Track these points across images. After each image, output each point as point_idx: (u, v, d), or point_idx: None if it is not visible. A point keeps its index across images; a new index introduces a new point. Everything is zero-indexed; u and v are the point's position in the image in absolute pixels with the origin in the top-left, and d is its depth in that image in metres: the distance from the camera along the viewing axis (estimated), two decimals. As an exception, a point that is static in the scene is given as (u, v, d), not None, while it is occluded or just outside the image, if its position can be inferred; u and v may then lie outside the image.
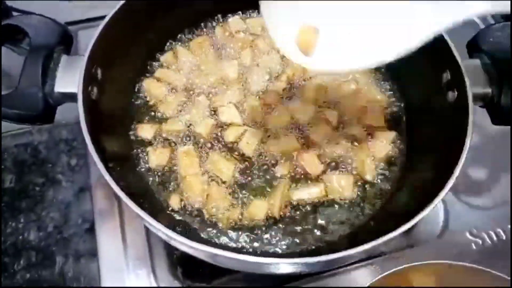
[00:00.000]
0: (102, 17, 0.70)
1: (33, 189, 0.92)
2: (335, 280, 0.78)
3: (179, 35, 0.90)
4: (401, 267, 0.67)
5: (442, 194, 0.60)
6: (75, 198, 0.91)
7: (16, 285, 0.82)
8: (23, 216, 0.89)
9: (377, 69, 0.89)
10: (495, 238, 0.84)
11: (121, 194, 0.56)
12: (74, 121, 0.97)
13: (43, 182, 0.93)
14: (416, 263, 0.67)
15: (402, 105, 0.86)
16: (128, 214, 0.83)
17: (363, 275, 0.79)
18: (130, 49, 0.78)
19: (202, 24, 0.93)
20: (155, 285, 0.75)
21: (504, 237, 0.83)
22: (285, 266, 0.58)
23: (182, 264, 0.78)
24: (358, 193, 0.76)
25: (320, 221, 0.73)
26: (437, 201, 0.60)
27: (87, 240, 0.86)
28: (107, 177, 0.57)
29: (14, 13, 0.98)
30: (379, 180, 0.77)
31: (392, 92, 0.87)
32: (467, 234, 0.84)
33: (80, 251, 0.85)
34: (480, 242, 0.83)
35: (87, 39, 0.68)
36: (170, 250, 0.79)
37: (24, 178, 0.93)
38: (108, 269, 0.78)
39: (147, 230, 0.80)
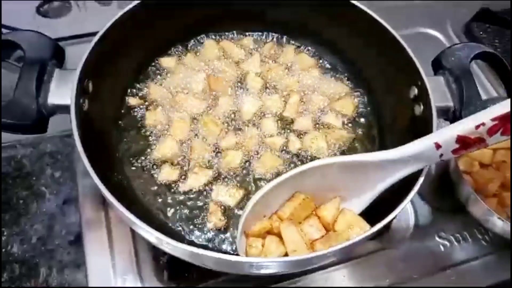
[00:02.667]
0: (89, 34, 0.73)
1: (16, 202, 0.92)
2: (315, 282, 0.82)
3: (168, 51, 0.95)
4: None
5: (408, 199, 0.64)
6: (59, 210, 0.91)
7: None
8: (6, 229, 0.88)
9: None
10: (461, 240, 0.89)
11: (114, 202, 0.59)
12: (58, 135, 0.99)
13: (26, 194, 0.93)
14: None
15: (375, 118, 0.92)
16: (115, 222, 0.85)
17: (340, 277, 0.84)
18: (120, 63, 0.81)
19: (192, 41, 0.98)
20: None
21: (469, 239, 0.89)
22: (262, 266, 0.62)
23: (168, 268, 0.80)
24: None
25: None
26: (403, 206, 0.64)
27: (72, 252, 0.86)
28: (101, 186, 0.60)
29: (4, 30, 1.00)
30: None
31: (368, 109, 0.94)
32: (436, 237, 0.89)
33: (64, 262, 0.85)
34: (448, 244, 0.88)
35: (75, 54, 0.71)
36: (156, 255, 0.81)
37: (7, 191, 0.93)
38: (95, 275, 0.80)
39: (134, 237, 0.82)
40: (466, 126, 0.59)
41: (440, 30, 1.24)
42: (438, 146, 0.62)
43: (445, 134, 0.62)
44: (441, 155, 0.63)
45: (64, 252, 0.86)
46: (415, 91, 0.79)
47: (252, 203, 0.69)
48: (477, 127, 0.58)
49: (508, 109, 0.56)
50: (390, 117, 0.88)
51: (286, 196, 0.72)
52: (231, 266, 0.63)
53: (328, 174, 0.71)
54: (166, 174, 0.80)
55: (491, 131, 0.58)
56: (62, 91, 0.67)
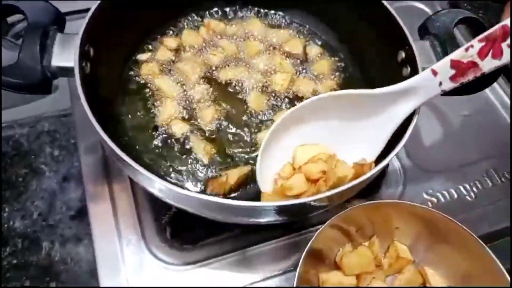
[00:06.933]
0: (87, 10, 0.76)
1: (16, 180, 0.93)
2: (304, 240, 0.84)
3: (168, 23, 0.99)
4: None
5: (396, 151, 0.69)
6: (59, 187, 0.93)
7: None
8: (7, 206, 0.90)
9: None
10: (448, 197, 0.94)
11: (122, 154, 0.62)
12: (56, 114, 1.01)
13: (26, 172, 0.94)
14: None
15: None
16: (118, 193, 0.87)
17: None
18: (121, 30, 0.84)
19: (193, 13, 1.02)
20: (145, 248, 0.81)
21: (455, 196, 0.94)
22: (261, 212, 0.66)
23: (170, 227, 0.84)
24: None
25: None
26: (391, 157, 0.68)
27: (73, 226, 0.88)
28: (109, 141, 0.62)
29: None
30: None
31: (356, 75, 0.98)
32: (424, 194, 0.93)
33: (66, 236, 0.87)
34: (435, 200, 0.93)
35: (75, 28, 0.74)
36: (158, 215, 0.85)
37: (6, 169, 0.94)
38: (101, 238, 0.82)
39: (136, 199, 0.86)
40: (457, 51, 0.64)
41: (426, 3, 1.28)
42: (435, 72, 0.67)
43: (440, 62, 0.67)
44: (440, 83, 0.67)
45: (66, 227, 0.88)
46: (402, 55, 0.83)
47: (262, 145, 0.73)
48: (467, 49, 0.63)
49: (493, 30, 0.59)
50: (380, 81, 0.91)
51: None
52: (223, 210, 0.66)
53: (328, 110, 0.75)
54: (177, 130, 0.85)
55: (482, 54, 0.61)
56: (64, 54, 0.69)
